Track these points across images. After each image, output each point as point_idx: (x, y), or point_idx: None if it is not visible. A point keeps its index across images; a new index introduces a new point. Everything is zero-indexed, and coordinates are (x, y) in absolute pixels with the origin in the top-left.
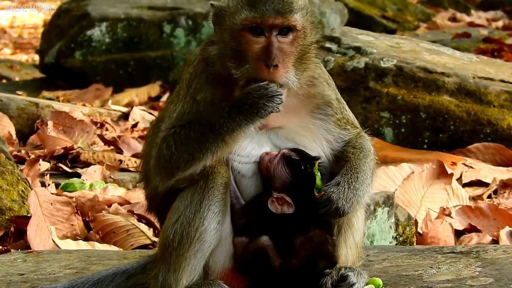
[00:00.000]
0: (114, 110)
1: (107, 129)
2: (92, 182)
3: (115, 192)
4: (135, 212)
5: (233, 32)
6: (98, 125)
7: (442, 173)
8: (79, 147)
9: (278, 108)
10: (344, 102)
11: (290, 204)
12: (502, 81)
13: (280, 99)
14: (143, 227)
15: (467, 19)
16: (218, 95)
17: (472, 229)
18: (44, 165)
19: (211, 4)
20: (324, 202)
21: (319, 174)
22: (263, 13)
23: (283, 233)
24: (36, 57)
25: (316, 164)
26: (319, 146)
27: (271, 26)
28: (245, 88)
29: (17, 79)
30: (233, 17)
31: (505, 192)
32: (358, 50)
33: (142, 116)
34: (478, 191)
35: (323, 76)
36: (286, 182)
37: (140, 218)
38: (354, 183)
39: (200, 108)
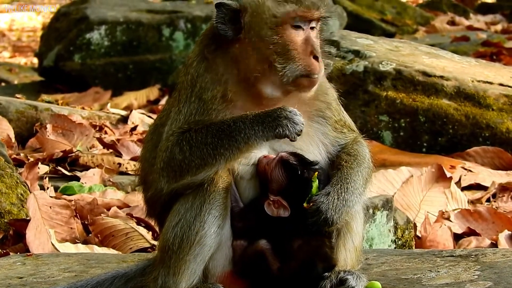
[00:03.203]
0: (113, 113)
1: (106, 132)
2: (91, 185)
3: (114, 195)
4: (134, 215)
5: (276, 25)
6: (97, 128)
7: (441, 177)
8: (78, 150)
9: (295, 137)
10: (340, 105)
11: (286, 208)
12: (501, 84)
13: (301, 130)
14: (142, 230)
15: (466, 22)
16: (226, 92)
17: (471, 232)
18: (43, 168)
19: (224, 3)
20: (313, 212)
21: (316, 182)
22: (309, 6)
23: (281, 236)
24: (35, 60)
25: (316, 174)
26: (315, 149)
27: (312, 19)
28: (290, 85)
29: (16, 82)
30: (271, 11)
31: (504, 196)
32: (357, 53)
33: (141, 120)
34: (477, 194)
35: (324, 76)
36: (282, 186)
37: (139, 221)
38: (343, 194)
39: (209, 107)
